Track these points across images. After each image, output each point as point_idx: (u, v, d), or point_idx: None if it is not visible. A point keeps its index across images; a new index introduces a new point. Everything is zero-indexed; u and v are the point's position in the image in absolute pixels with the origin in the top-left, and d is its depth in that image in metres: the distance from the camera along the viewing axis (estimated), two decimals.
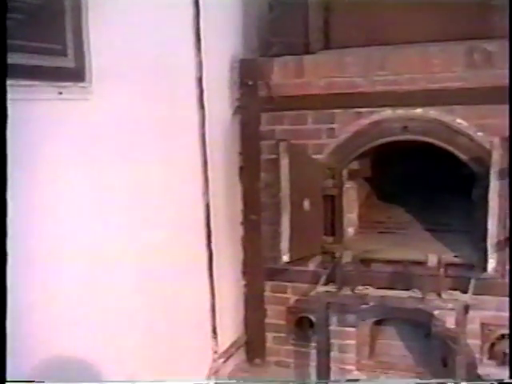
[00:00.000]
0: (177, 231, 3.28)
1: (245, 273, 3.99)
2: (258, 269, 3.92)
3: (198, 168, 3.52)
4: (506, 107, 3.31)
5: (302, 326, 3.87)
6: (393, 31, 3.57)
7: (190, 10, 3.37)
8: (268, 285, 3.93)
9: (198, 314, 3.57)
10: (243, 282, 3.99)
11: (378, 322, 3.81)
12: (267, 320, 3.96)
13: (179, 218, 3.31)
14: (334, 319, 3.69)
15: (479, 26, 3.50)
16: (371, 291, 3.25)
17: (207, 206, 3.57)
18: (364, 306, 3.52)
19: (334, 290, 3.33)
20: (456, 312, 3.08)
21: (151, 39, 2.99)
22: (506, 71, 3.30)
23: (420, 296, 3.14)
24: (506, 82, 3.29)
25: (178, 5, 3.30)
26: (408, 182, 4.37)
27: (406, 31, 3.55)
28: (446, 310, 3.14)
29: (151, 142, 3.04)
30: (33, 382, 2.04)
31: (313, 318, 3.77)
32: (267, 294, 3.94)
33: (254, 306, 3.97)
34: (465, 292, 3.19)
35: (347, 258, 3.39)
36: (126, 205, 2.84)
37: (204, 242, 3.60)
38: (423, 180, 4.32)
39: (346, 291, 3.29)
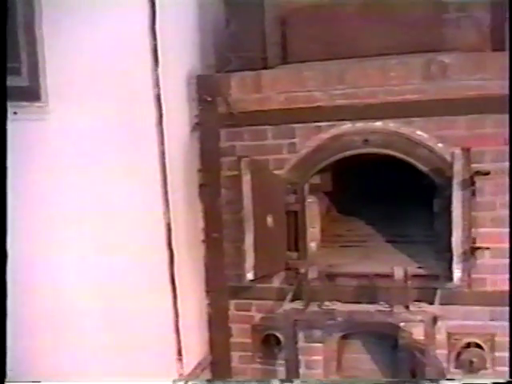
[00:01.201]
0: (138, 251, 3.19)
1: (208, 292, 3.92)
2: (221, 287, 3.86)
3: (157, 187, 3.45)
4: (464, 118, 3.37)
5: (269, 343, 3.81)
6: (351, 45, 3.58)
7: (146, 27, 3.30)
8: (232, 303, 3.87)
9: (162, 335, 3.48)
10: (207, 302, 3.92)
11: (345, 336, 3.79)
12: (232, 339, 3.90)
13: (140, 238, 3.23)
14: (300, 335, 3.64)
15: (434, 39, 3.54)
16: (338, 306, 3.24)
17: (168, 226, 3.49)
18: (331, 322, 3.50)
19: (301, 306, 3.29)
20: (424, 323, 3.08)
21: (108, 57, 2.93)
22: (463, 82, 3.36)
23: (388, 309, 3.13)
24: (462, 93, 3.36)
25: (135, 21, 3.25)
26: (368, 195, 4.39)
27: (363, 45, 3.56)
28: (414, 322, 3.13)
29: (110, 161, 2.96)
30: (33, 382, 2.04)
31: (279, 335, 3.73)
32: (232, 312, 3.88)
33: (218, 325, 3.90)
34: (431, 303, 3.20)
35: (313, 273, 3.36)
36: (87, 225, 2.76)
37: (166, 261, 3.52)
38: (384, 192, 4.34)
39: (313, 307, 3.26)
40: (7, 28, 2.25)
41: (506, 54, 3.38)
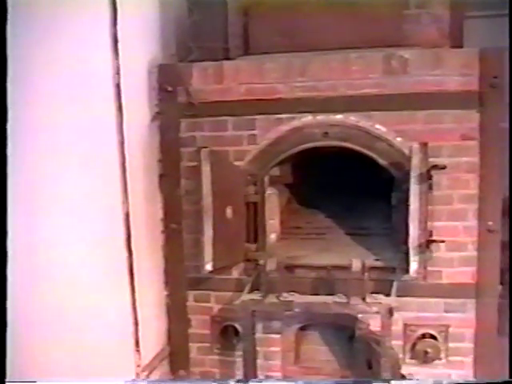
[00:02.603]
0: (96, 241, 3.15)
1: (167, 283, 3.90)
2: (180, 278, 3.85)
3: (116, 176, 3.40)
4: (423, 113, 3.42)
5: (227, 334, 3.82)
6: (313, 38, 3.59)
7: (107, 15, 3.25)
8: (191, 294, 3.86)
9: (120, 326, 3.44)
10: (165, 293, 3.90)
11: (303, 328, 3.81)
12: (191, 330, 3.89)
13: (98, 228, 3.19)
14: (259, 327, 3.66)
15: (395, 34, 3.58)
16: (296, 298, 3.25)
17: (127, 215, 3.45)
18: (289, 313, 3.52)
19: (259, 297, 3.29)
20: (380, 315, 3.12)
21: (67, 44, 2.86)
22: (422, 78, 3.40)
23: (345, 301, 3.16)
24: (421, 88, 3.41)
25: (95, 9, 3.18)
26: (328, 187, 4.42)
27: (325, 38, 3.57)
28: (370, 313, 3.17)
29: (69, 150, 2.90)
30: (32, 381, 2.04)
31: (237, 327, 3.74)
32: (190, 303, 3.87)
33: (177, 316, 3.89)
34: (388, 295, 3.24)
35: (271, 264, 3.37)
36: (43, 214, 2.71)
37: (124, 252, 3.47)
38: (343, 185, 4.37)
39: (272, 299, 3.26)
40: None
41: (465, 50, 3.46)
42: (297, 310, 3.26)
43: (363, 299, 3.13)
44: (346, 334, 3.72)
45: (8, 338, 2.16)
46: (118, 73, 3.30)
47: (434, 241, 3.26)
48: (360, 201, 4.41)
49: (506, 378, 2.72)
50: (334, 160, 3.99)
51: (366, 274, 3.21)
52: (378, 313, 3.12)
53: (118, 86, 3.32)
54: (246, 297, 3.33)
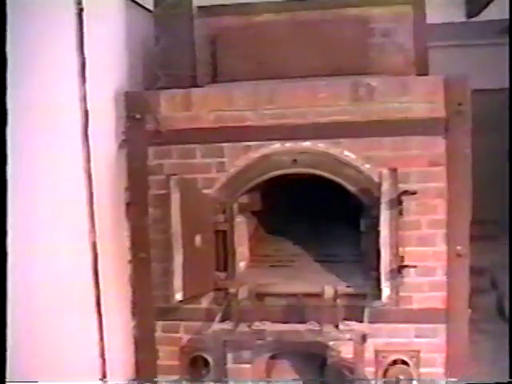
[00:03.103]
0: (63, 270, 3.08)
1: (134, 313, 3.81)
2: (148, 308, 3.77)
3: (83, 204, 3.35)
4: (391, 139, 3.46)
5: (196, 365, 3.74)
6: (281, 65, 3.62)
7: (74, 40, 3.22)
8: (159, 324, 3.78)
9: (86, 357, 3.36)
10: (133, 323, 3.81)
11: (273, 356, 3.76)
12: (159, 362, 3.79)
13: (65, 257, 3.12)
14: (229, 356, 3.59)
15: (361, 63, 3.63)
16: (268, 326, 3.21)
17: (94, 244, 3.39)
18: (259, 342, 3.47)
19: (230, 327, 3.24)
20: (353, 342, 3.10)
21: (34, 71, 2.81)
22: (388, 105, 3.44)
23: (317, 328, 3.13)
24: (388, 115, 3.45)
25: (62, 35, 3.16)
26: (296, 214, 4.42)
27: (293, 66, 3.61)
28: (343, 340, 3.14)
29: (36, 177, 2.85)
30: (32, 381, 2.03)
31: (207, 357, 3.67)
32: (158, 334, 3.78)
33: (145, 347, 3.79)
34: (360, 321, 3.22)
35: (243, 293, 3.34)
36: (11, 243, 2.62)
37: (92, 282, 3.41)
38: (311, 211, 4.37)
39: (243, 328, 3.22)
40: None
41: (431, 78, 3.51)
42: (269, 338, 3.21)
43: (336, 326, 3.11)
44: (316, 363, 3.68)
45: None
46: (85, 99, 3.27)
47: (405, 266, 3.25)
48: (328, 228, 4.41)
49: (507, 378, 2.72)
50: (303, 187, 4.00)
51: (339, 300, 3.19)
52: (351, 340, 3.10)
53: (85, 112, 3.29)
54: (217, 326, 3.28)
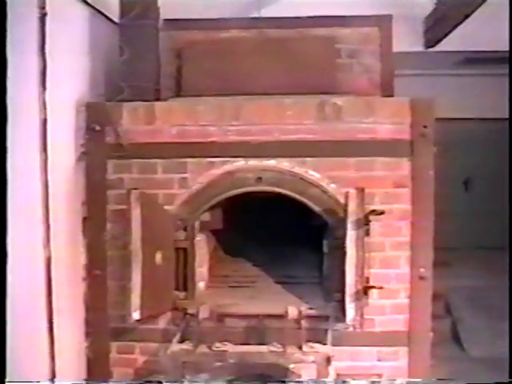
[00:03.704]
0: (15, 285, 2.91)
1: (88, 334, 3.65)
2: (102, 328, 3.61)
3: (38, 218, 3.20)
4: (356, 160, 3.43)
5: None
6: (247, 82, 3.57)
7: (35, 45, 3.10)
8: (114, 345, 3.63)
9: (36, 378, 3.17)
10: (86, 344, 3.65)
11: (231, 380, 3.65)
12: None
13: (17, 272, 2.95)
14: (186, 379, 3.46)
15: (328, 82, 3.61)
16: (230, 347, 3.11)
17: (48, 260, 3.23)
18: (218, 364, 3.36)
19: (190, 347, 3.13)
20: (316, 364, 3.02)
21: None
22: (354, 125, 3.43)
23: (280, 350, 3.04)
24: (354, 135, 3.42)
25: (23, 38, 3.03)
26: (257, 234, 4.34)
27: (260, 83, 3.57)
28: (307, 363, 3.06)
29: None
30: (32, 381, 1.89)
31: (163, 380, 3.53)
32: (113, 355, 3.63)
33: (98, 369, 3.62)
34: (323, 343, 3.15)
35: (204, 312, 3.23)
36: None
37: (44, 299, 3.24)
38: (271, 232, 4.31)
39: (203, 349, 3.11)
40: None
41: (397, 99, 3.52)
42: (231, 360, 3.10)
43: (299, 348, 3.02)
44: None
45: None
46: (44, 108, 3.14)
47: (371, 287, 3.20)
48: (288, 248, 4.35)
49: (507, 378, 2.68)
50: (265, 206, 3.94)
51: (303, 321, 3.11)
52: (314, 362, 3.01)
53: (43, 122, 3.16)
54: (175, 347, 3.16)
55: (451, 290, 5.98)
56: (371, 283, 3.37)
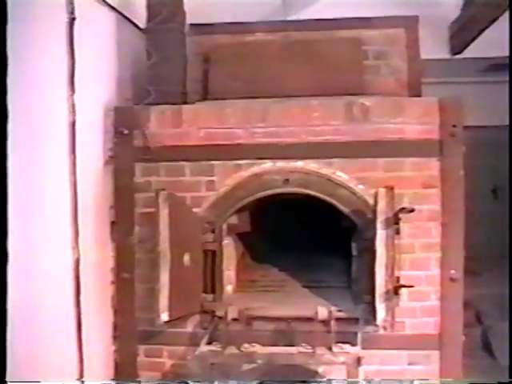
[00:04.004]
0: (45, 287, 2.93)
1: (116, 337, 3.65)
2: (130, 332, 3.61)
3: (67, 220, 3.21)
4: (384, 160, 3.40)
5: None
6: (273, 84, 3.57)
7: (64, 49, 3.14)
8: (142, 349, 3.62)
9: (65, 379, 3.17)
10: (114, 348, 3.64)
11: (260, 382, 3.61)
12: None
13: (47, 274, 2.97)
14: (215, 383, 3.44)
15: (355, 84, 3.60)
16: (258, 349, 3.07)
17: (77, 262, 3.24)
18: (246, 368, 3.33)
19: (218, 349, 3.10)
20: (346, 365, 2.97)
21: (23, 78, 2.70)
22: (382, 125, 3.40)
23: (310, 351, 2.99)
24: (382, 136, 3.39)
25: (53, 43, 3.08)
26: (283, 239, 4.32)
27: (286, 85, 3.57)
28: (337, 364, 3.00)
29: (20, 188, 2.71)
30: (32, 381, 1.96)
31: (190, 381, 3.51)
32: (141, 359, 3.62)
33: (126, 372, 3.62)
34: (354, 345, 3.10)
35: (232, 313, 3.21)
36: None
37: (72, 302, 3.25)
38: (299, 236, 4.29)
39: (232, 350, 3.08)
40: None
41: (425, 99, 3.49)
42: (259, 361, 3.07)
43: (329, 349, 2.98)
44: None
45: None
46: (73, 111, 3.17)
47: (402, 286, 3.14)
48: (316, 253, 4.32)
49: (507, 378, 2.63)
50: (292, 209, 3.92)
51: (333, 322, 3.07)
52: (344, 363, 2.97)
53: (72, 124, 3.19)
54: (204, 348, 3.13)
55: (481, 298, 5.87)
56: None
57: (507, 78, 6.91)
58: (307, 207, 3.78)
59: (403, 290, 3.29)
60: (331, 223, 3.80)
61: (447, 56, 5.83)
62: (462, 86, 6.81)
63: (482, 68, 6.67)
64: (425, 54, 4.15)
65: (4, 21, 1.62)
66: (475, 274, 5.81)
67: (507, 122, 7.14)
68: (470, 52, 5.69)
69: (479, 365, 4.92)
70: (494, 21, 4.79)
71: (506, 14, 4.55)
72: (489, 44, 5.36)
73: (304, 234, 4.32)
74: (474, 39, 5.38)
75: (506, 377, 4.82)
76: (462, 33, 5.49)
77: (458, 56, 5.79)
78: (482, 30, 5.10)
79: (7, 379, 2.33)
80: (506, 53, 5.61)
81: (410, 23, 3.85)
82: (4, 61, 1.59)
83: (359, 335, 3.24)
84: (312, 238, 4.32)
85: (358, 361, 2.95)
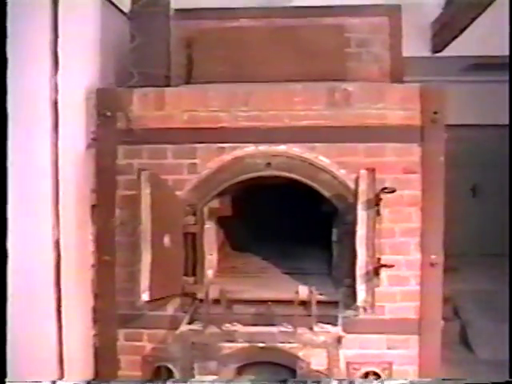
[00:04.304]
0: (25, 267, 2.90)
1: (96, 321, 3.62)
2: (111, 316, 3.58)
3: (48, 200, 3.19)
4: (366, 145, 3.42)
5: (160, 376, 3.55)
6: (257, 70, 3.59)
7: (48, 30, 3.13)
8: (122, 333, 3.60)
9: (43, 364, 3.15)
10: (93, 332, 3.62)
11: (240, 371, 3.59)
12: (121, 372, 3.60)
13: (27, 254, 2.95)
14: (195, 366, 3.41)
15: (338, 70, 3.62)
16: (240, 328, 3.06)
17: (57, 242, 3.22)
18: (227, 351, 3.33)
19: (199, 328, 3.09)
20: (327, 345, 2.97)
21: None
22: (364, 111, 3.43)
23: (291, 330, 2.99)
24: (364, 121, 3.42)
25: (36, 23, 3.07)
26: (264, 225, 4.34)
27: (270, 70, 3.58)
28: (317, 343, 3.00)
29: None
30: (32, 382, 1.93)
31: (171, 367, 3.50)
32: (121, 343, 3.60)
33: (105, 356, 3.60)
34: (335, 325, 3.11)
35: (214, 294, 3.20)
36: None
37: (52, 283, 3.23)
38: (279, 223, 4.30)
39: (213, 329, 3.07)
40: None
41: (407, 85, 3.52)
42: (240, 340, 3.06)
43: (310, 329, 2.98)
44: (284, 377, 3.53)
45: None
46: (56, 89, 3.15)
47: (383, 265, 3.15)
48: (296, 243, 4.34)
49: (506, 378, 2.64)
50: (274, 196, 3.93)
51: (313, 303, 3.07)
52: (325, 343, 2.97)
53: (55, 103, 3.17)
54: (185, 327, 3.12)
55: (459, 294, 5.92)
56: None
57: (488, 78, 7.04)
58: (288, 194, 3.79)
59: (383, 275, 3.32)
60: (312, 210, 3.82)
61: (429, 54, 5.87)
62: (443, 84, 6.88)
63: (462, 67, 6.74)
64: (406, 52, 4.20)
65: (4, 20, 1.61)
66: (454, 270, 5.87)
67: (487, 122, 7.26)
68: (450, 50, 5.75)
69: (457, 358, 4.96)
70: (474, 19, 4.84)
71: (487, 13, 4.63)
72: (470, 43, 5.43)
73: (285, 221, 4.33)
74: (455, 38, 5.43)
75: (483, 370, 4.89)
76: (444, 31, 5.54)
77: (439, 54, 5.84)
78: (464, 29, 5.15)
79: None
80: (487, 52, 5.74)
81: (393, 11, 3.88)
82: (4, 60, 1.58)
83: (340, 317, 3.24)
84: (293, 225, 4.33)
85: (339, 340, 2.95)
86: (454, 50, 5.69)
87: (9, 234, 2.70)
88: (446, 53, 5.79)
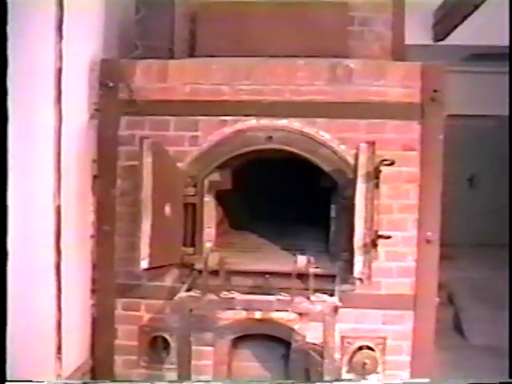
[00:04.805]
0: (24, 234, 2.90)
1: (94, 291, 3.65)
2: (109, 285, 3.61)
3: (50, 167, 3.19)
4: (366, 121, 3.45)
5: (156, 346, 3.58)
6: (260, 45, 3.58)
7: (53, 5, 3.13)
8: (119, 302, 3.62)
9: (42, 332, 3.14)
10: (91, 302, 3.64)
11: (235, 344, 3.62)
12: (117, 341, 3.63)
13: (28, 221, 2.94)
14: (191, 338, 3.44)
15: (340, 48, 3.63)
16: (237, 295, 3.08)
17: (58, 208, 3.23)
18: (223, 323, 3.37)
19: (197, 294, 3.11)
20: (323, 315, 2.99)
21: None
22: (366, 87, 3.46)
23: (288, 298, 3.02)
24: (365, 97, 3.45)
25: None
26: (264, 200, 4.36)
27: (272, 45, 3.58)
28: (314, 312, 3.03)
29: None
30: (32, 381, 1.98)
31: (168, 337, 3.53)
32: (118, 312, 3.62)
33: (103, 326, 3.62)
34: (332, 295, 3.13)
35: (212, 262, 3.23)
36: None
37: (53, 250, 3.23)
38: (279, 199, 4.33)
39: (211, 296, 3.09)
40: None
41: (408, 63, 3.55)
42: (238, 307, 3.08)
43: (307, 298, 3.01)
44: (279, 352, 3.57)
45: None
46: (60, 56, 3.16)
47: (380, 236, 3.17)
48: (291, 223, 4.38)
49: (506, 378, 2.65)
50: (274, 172, 3.96)
51: (311, 270, 3.11)
52: (321, 312, 2.99)
53: (59, 71, 3.18)
54: (183, 294, 3.14)
55: (454, 281, 5.97)
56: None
57: (488, 69, 7.08)
58: (288, 169, 3.81)
59: (380, 250, 3.35)
60: (312, 186, 3.85)
61: (430, 42, 5.90)
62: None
63: (462, 57, 6.77)
64: (408, 39, 4.22)
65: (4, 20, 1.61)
66: (449, 259, 5.91)
67: (486, 112, 7.30)
68: (451, 39, 5.78)
69: (450, 344, 5.01)
70: (478, 6, 4.86)
71: (487, 3, 4.66)
72: (471, 32, 5.46)
73: (283, 198, 4.36)
74: (456, 26, 5.46)
75: (475, 355, 4.94)
76: (446, 19, 5.57)
77: (440, 43, 5.87)
78: (465, 18, 5.17)
79: None
80: (487, 42, 5.76)
81: None
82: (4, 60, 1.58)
83: (337, 289, 3.27)
84: (292, 203, 4.36)
85: (335, 310, 2.98)
86: (454, 39, 5.73)
87: (9, 199, 2.72)
88: (446, 42, 5.83)
